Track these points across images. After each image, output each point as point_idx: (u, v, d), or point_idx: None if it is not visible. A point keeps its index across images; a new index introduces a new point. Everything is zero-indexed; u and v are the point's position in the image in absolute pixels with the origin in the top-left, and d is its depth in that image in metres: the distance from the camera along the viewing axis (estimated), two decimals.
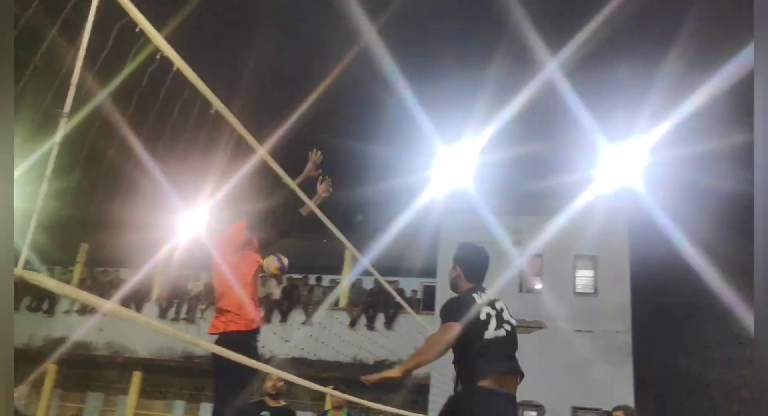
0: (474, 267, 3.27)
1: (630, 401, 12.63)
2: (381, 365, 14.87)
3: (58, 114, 2.62)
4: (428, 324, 12.39)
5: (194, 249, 15.71)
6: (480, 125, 13.43)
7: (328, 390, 6.68)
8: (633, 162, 13.16)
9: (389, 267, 15.92)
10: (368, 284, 17.31)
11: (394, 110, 13.97)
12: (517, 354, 12.30)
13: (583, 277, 14.08)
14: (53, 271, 17.79)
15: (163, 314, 16.69)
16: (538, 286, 14.36)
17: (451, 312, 3.24)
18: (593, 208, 13.43)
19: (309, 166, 4.71)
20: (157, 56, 2.79)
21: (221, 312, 4.24)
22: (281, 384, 6.10)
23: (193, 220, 13.94)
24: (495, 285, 13.61)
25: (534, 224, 13.98)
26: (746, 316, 11.16)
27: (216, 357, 3.94)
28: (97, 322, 17.44)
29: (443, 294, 14.29)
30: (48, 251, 15.16)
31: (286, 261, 4.83)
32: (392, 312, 15.27)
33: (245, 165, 4.46)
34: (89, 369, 18.45)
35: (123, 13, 2.58)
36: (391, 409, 9.80)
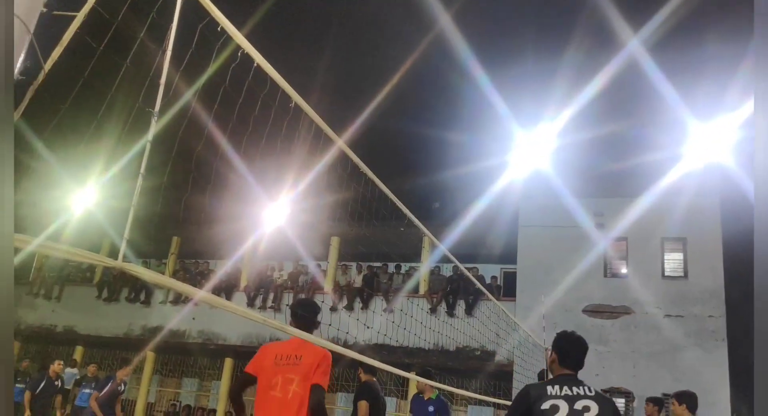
0: (567, 354, 3.48)
1: (725, 387, 12.10)
2: (462, 351, 14.90)
3: (149, 113, 2.79)
4: (509, 310, 12.29)
5: (277, 240, 16.24)
6: (558, 107, 13.12)
7: (412, 375, 6.77)
8: (722, 138, 12.49)
9: (468, 253, 15.87)
10: (447, 271, 17.33)
11: (471, 95, 13.85)
12: (605, 340, 12.22)
13: (672, 260, 13.52)
14: (148, 264, 18.81)
15: (251, 302, 17.31)
16: (624, 271, 13.91)
17: (514, 399, 3.50)
18: (681, 187, 12.86)
19: None
20: (239, 53, 2.92)
21: None
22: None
23: (276, 212, 14.42)
24: (578, 270, 13.41)
25: (617, 206, 13.55)
26: None
27: None
28: (190, 312, 18.33)
29: (523, 280, 14.12)
30: (143, 245, 16.07)
31: None
32: (472, 298, 15.22)
33: (325, 157, 4.58)
34: (184, 356, 19.45)
35: (205, 13, 2.71)
36: (474, 395, 9.80)
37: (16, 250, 1.92)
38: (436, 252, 16.24)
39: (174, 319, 18.16)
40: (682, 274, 13.29)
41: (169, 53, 2.68)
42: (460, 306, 15.42)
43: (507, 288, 16.15)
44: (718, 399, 12.03)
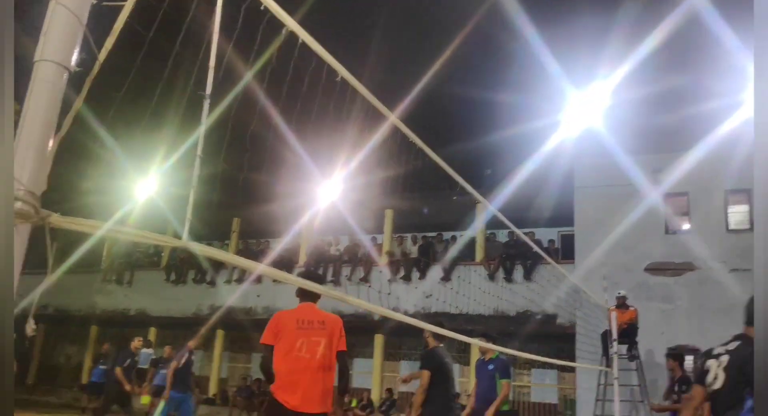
0: None
1: None
2: (522, 316, 14.88)
3: (201, 96, 2.88)
4: (568, 272, 12.18)
5: (332, 216, 16.48)
6: (613, 64, 12.72)
7: (473, 340, 6.84)
8: None
9: (524, 218, 15.72)
10: (503, 237, 17.24)
11: (521, 54, 13.58)
12: (669, 297, 12.13)
13: (737, 213, 13.04)
14: (212, 245, 19.39)
15: None
16: (686, 226, 13.53)
17: None
18: (741, 135, 12.35)
19: None
20: (283, 31, 2.96)
21: None
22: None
23: (330, 188, 14.61)
24: (638, 229, 13.16)
25: (676, 161, 13.11)
26: None
27: None
28: (255, 289, 18.89)
29: (582, 242, 13.92)
30: (204, 228, 16.56)
31: None
32: (530, 263, 15.13)
33: (376, 130, 4.62)
34: (252, 332, 20.06)
35: None
36: (537, 357, 9.82)
37: (88, 236, 2.05)
38: (490, 219, 16.17)
39: (239, 297, 18.77)
40: (747, 227, 12.83)
41: (216, 36, 2.76)
42: (518, 271, 15.36)
43: (565, 251, 15.97)
44: None
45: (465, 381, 16.55)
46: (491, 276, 15.53)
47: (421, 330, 6.43)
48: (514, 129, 14.05)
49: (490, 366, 7.27)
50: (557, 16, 13.43)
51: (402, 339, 17.27)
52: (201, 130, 2.46)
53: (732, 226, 12.99)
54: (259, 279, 18.94)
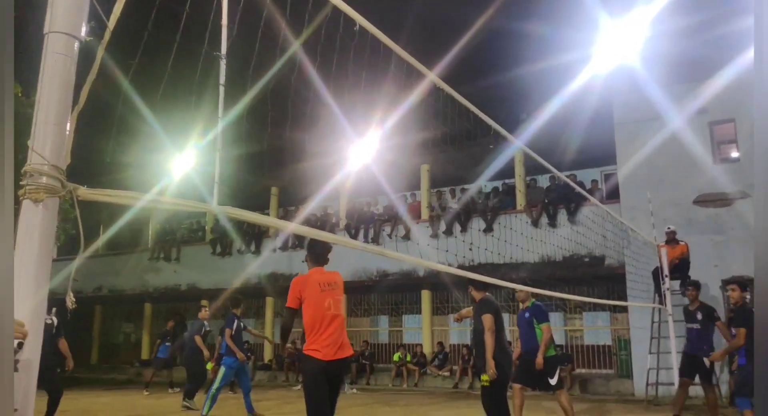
0: None
1: None
2: (570, 260, 14.68)
3: (217, 57, 2.79)
4: (614, 212, 11.89)
5: (369, 175, 16.41)
6: None
7: (517, 285, 6.76)
8: None
9: (564, 161, 15.39)
10: (544, 182, 16.94)
11: None
12: (720, 229, 11.82)
13: None
14: None
15: (353, 239, 17.77)
16: (735, 154, 13.02)
17: None
18: None
19: None
20: None
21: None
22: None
23: (366, 147, 14.50)
24: (684, 162, 12.76)
25: (719, 87, 12.54)
26: None
27: None
28: (299, 255, 19.09)
29: (626, 180, 13.56)
30: (243, 199, 16.75)
31: None
32: (574, 205, 14.84)
33: (415, 91, 4.49)
34: None
35: None
36: (588, 299, 9.70)
37: (127, 207, 2.01)
38: (529, 165, 15.87)
39: (286, 264, 19.04)
40: None
41: None
42: (562, 215, 15.09)
43: (609, 191, 15.60)
44: None
45: (514, 330, 16.55)
46: (535, 223, 15.31)
47: (467, 283, 6.38)
48: (545, 63, 13.56)
49: (527, 314, 7.32)
50: None
51: (448, 294, 17.31)
52: (221, 92, 2.39)
53: None
54: (302, 245, 19.15)
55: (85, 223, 1.91)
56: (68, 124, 1.76)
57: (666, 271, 11.13)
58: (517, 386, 7.17)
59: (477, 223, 16.11)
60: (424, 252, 14.66)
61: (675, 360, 10.80)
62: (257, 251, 19.81)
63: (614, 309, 15.38)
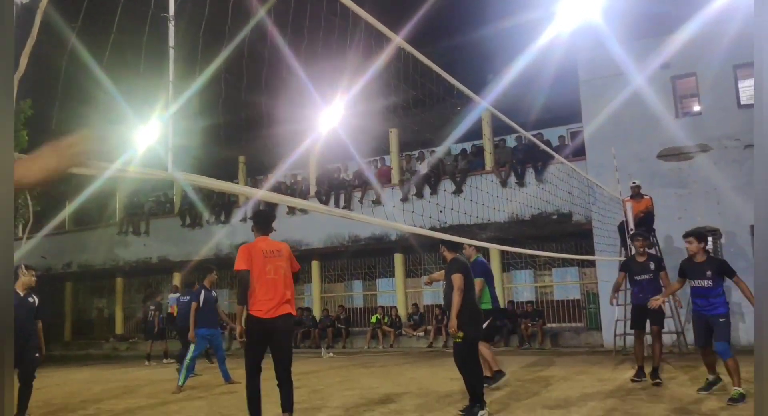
0: None
1: None
2: (538, 218, 14.93)
3: (165, 18, 2.71)
4: (581, 169, 12.08)
5: (337, 141, 16.32)
6: None
7: (478, 242, 6.89)
8: None
9: (531, 120, 15.50)
10: (511, 142, 17.06)
11: None
12: (684, 182, 12.01)
13: (748, 87, 12.71)
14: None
15: (324, 205, 17.77)
16: (696, 108, 13.26)
17: None
18: (742, 7, 11.86)
19: None
20: None
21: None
22: None
23: (333, 112, 14.37)
24: (647, 116, 12.99)
25: (680, 41, 12.69)
26: None
27: None
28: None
29: (592, 137, 13.74)
30: (210, 169, 16.54)
31: None
32: (541, 164, 15.02)
33: (381, 55, 4.44)
34: None
35: None
36: (557, 254, 9.92)
37: (90, 179, 1.98)
38: (496, 125, 15.94)
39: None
40: None
41: None
42: (530, 174, 15.27)
43: (576, 148, 15.80)
44: None
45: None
46: (503, 183, 15.48)
47: (439, 244, 6.47)
48: (509, 23, 13.53)
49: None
50: None
51: (421, 256, 17.50)
52: (170, 53, 2.34)
53: (744, 101, 12.70)
54: (273, 213, 19.07)
55: (50, 199, 1.86)
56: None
57: (631, 225, 11.41)
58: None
59: (447, 185, 16.22)
60: (396, 215, 14.75)
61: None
62: (227, 221, 19.69)
63: (582, 264, 15.75)
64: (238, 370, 7.04)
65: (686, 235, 6.90)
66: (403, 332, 16.53)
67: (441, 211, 13.44)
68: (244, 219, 19.28)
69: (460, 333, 5.87)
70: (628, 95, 13.04)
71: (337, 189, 18.17)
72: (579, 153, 14.63)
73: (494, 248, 14.57)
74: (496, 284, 16.24)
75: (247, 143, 18.76)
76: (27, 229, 16.50)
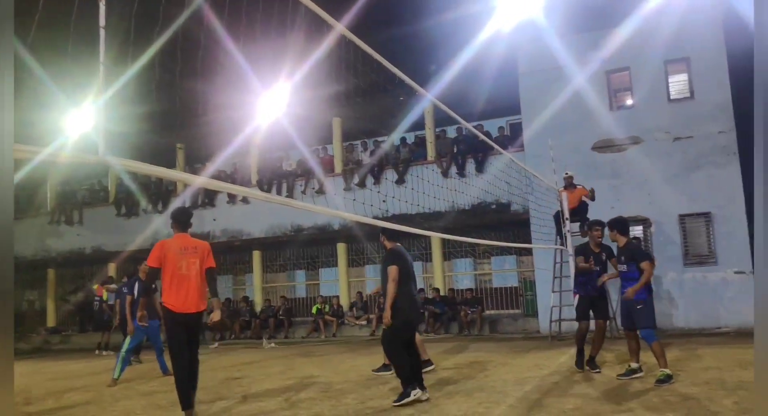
0: None
1: (740, 199, 12.35)
2: (478, 208, 15.21)
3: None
4: (519, 160, 12.36)
5: (280, 130, 16.13)
6: None
7: (420, 231, 6.98)
8: None
9: (472, 111, 15.72)
10: (452, 133, 17.27)
11: None
12: (617, 173, 12.37)
13: (677, 82, 13.27)
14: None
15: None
16: (630, 101, 13.75)
17: None
18: (673, 4, 12.36)
19: None
20: None
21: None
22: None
23: (275, 100, 14.18)
24: (583, 109, 13.37)
25: (615, 36, 13.13)
26: None
27: None
28: (210, 213, 18.71)
29: (530, 128, 14.07)
30: (148, 156, 16.12)
31: None
32: (481, 155, 15.27)
33: (323, 43, 4.41)
34: (214, 256, 20.07)
35: None
36: (495, 243, 10.15)
37: (16, 162, 1.91)
38: (439, 116, 16.09)
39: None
40: (688, 95, 13.12)
41: None
42: (471, 165, 15.52)
43: (515, 139, 16.14)
44: (733, 214, 12.33)
45: (429, 277, 17.10)
46: (445, 173, 15.68)
47: (379, 233, 6.53)
48: (452, 15, 13.66)
49: None
50: None
51: (364, 246, 17.57)
52: (101, 34, 2.27)
53: (673, 96, 13.26)
54: (213, 203, 18.74)
55: None
56: None
57: (566, 214, 11.76)
58: None
59: (390, 175, 16.30)
60: (339, 205, 14.74)
61: (576, 298, 11.55)
62: (165, 210, 19.22)
63: (520, 252, 16.17)
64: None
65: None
66: (346, 321, 16.58)
67: (384, 201, 13.54)
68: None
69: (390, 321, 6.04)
70: (564, 88, 13.42)
71: (279, 178, 18.00)
72: (518, 144, 14.95)
73: (436, 237, 14.78)
74: (437, 272, 16.52)
75: (186, 130, 18.35)
76: None
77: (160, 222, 18.84)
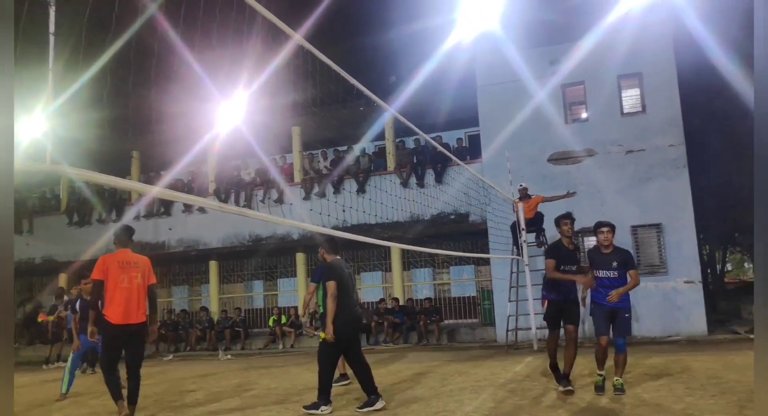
0: None
1: (689, 210, 12.75)
2: (437, 218, 15.32)
3: (46, 3, 2.58)
4: (477, 171, 12.52)
5: (238, 138, 15.98)
6: None
7: (388, 243, 7.00)
8: None
9: (431, 123, 15.86)
10: (411, 144, 17.38)
11: None
12: (572, 184, 12.51)
13: (630, 97, 13.67)
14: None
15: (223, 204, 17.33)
16: (584, 115, 14.09)
17: None
18: (628, 22, 12.75)
19: None
20: None
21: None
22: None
23: (233, 109, 14.02)
24: (539, 121, 13.60)
25: (570, 51, 13.47)
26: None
27: None
28: (166, 223, 18.36)
29: (487, 140, 14.25)
30: (103, 164, 15.74)
31: None
32: (440, 166, 15.41)
33: (282, 52, 4.40)
34: (169, 266, 19.73)
35: None
36: (454, 253, 10.24)
37: None
38: (399, 127, 16.18)
39: (152, 231, 18.28)
40: (640, 109, 13.51)
41: None
42: (430, 176, 15.64)
43: (473, 151, 16.35)
44: (683, 225, 12.71)
45: (389, 287, 17.12)
46: (404, 184, 15.75)
47: (345, 244, 6.56)
48: (412, 27, 13.82)
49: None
50: None
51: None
52: (51, 40, 2.23)
53: (626, 110, 13.64)
54: (168, 212, 18.40)
55: None
56: None
57: (522, 225, 11.96)
58: None
59: (349, 185, 16.30)
60: (298, 215, 14.67)
61: (531, 307, 11.74)
62: (118, 219, 18.78)
63: (478, 262, 16.34)
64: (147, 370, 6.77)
65: (601, 225, 6.52)
66: (304, 332, 16.43)
67: (344, 210, 13.53)
68: (137, 218, 18.50)
69: (323, 334, 6.19)
70: (521, 101, 13.68)
71: (237, 187, 17.80)
72: (477, 155, 15.15)
73: (395, 247, 14.80)
74: (396, 281, 16.54)
75: (141, 137, 18.02)
76: None
77: (113, 232, 18.40)
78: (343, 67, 4.99)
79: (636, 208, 13.05)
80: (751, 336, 11.91)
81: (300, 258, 17.51)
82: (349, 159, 17.44)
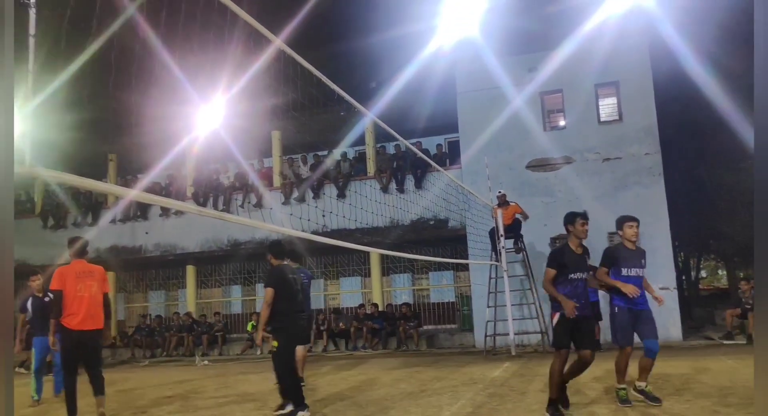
0: None
1: (665, 218, 12.94)
2: (417, 223, 15.36)
3: (26, 5, 2.55)
4: (456, 177, 12.58)
5: (217, 142, 15.88)
6: None
7: (368, 248, 7.01)
8: None
9: (412, 129, 15.93)
10: (392, 149, 17.42)
11: None
12: (550, 191, 12.67)
13: (607, 105, 13.87)
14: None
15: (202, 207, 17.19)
16: (562, 122, 14.24)
17: None
18: (605, 31, 12.94)
19: None
20: None
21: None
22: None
23: (213, 113, 13.94)
24: (518, 128, 13.67)
25: (549, 59, 13.62)
26: (745, 129, 11.84)
27: None
28: (143, 227, 18.16)
29: (467, 146, 14.34)
30: (79, 167, 15.52)
31: None
32: (420, 172, 15.47)
33: (262, 56, 4.40)
34: (146, 271, 19.51)
35: None
36: (433, 258, 10.26)
37: None
38: (379, 132, 16.21)
39: (128, 236, 18.07)
40: (617, 118, 13.70)
41: None
42: (410, 181, 15.68)
43: (453, 157, 16.43)
44: (659, 232, 12.89)
45: (368, 292, 17.10)
46: (384, 189, 15.77)
47: (325, 249, 6.55)
48: (393, 33, 13.87)
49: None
50: None
51: (302, 260, 17.37)
52: (30, 42, 2.22)
53: (603, 118, 13.83)
54: (145, 216, 18.21)
55: None
56: None
57: (501, 231, 12.05)
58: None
59: (329, 190, 16.27)
60: (277, 219, 14.60)
61: (510, 312, 11.82)
62: (94, 222, 18.55)
63: (457, 268, 16.40)
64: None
65: (628, 219, 5.95)
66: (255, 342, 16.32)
67: (323, 215, 13.50)
68: (113, 221, 18.29)
69: (275, 342, 6.25)
70: (500, 108, 13.79)
71: (215, 190, 17.67)
72: (456, 161, 15.23)
73: (375, 252, 14.79)
74: (375, 287, 16.53)
75: (119, 140, 17.83)
76: None
77: (89, 235, 18.15)
78: (323, 71, 5.00)
79: (613, 215, 12.95)
80: (725, 342, 12.12)
81: None
82: (329, 163, 17.42)
